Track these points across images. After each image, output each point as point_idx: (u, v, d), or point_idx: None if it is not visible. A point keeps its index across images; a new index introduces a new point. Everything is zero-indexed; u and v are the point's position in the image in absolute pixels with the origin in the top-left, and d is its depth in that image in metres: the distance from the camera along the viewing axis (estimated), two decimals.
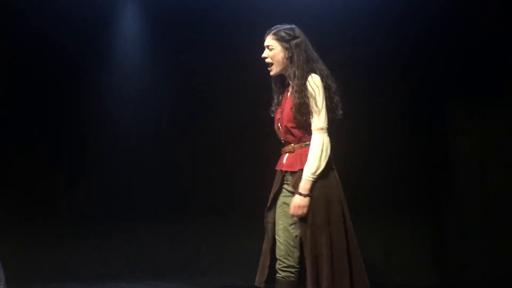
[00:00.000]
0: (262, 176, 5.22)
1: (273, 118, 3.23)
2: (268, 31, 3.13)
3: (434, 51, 5.18)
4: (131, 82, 5.81)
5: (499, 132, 5.07)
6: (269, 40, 3.11)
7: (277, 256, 3.04)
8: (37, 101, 5.71)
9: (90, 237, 5.63)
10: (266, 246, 3.12)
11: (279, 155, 3.21)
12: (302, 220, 2.98)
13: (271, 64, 3.12)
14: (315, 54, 3.11)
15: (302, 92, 2.98)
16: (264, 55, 3.13)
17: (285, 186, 3.13)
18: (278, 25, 3.14)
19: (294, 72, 3.03)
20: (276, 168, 3.18)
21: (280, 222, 3.07)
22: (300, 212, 2.96)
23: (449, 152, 5.21)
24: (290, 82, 3.08)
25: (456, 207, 5.15)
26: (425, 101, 5.26)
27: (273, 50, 3.10)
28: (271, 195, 3.14)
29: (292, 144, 3.10)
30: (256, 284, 3.11)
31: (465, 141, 5.16)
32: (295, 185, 3.01)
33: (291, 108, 3.02)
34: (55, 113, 5.76)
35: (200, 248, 5.57)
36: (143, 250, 5.63)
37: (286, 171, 3.11)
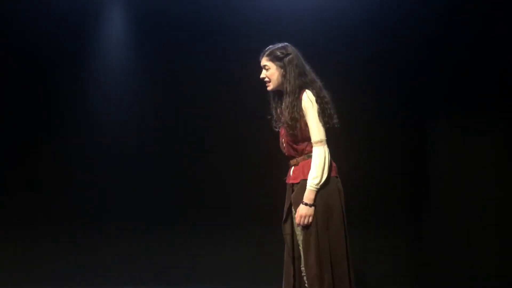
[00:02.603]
0: (253, 181, 5.40)
1: (277, 132, 3.37)
2: (262, 53, 3.30)
3: (417, 64, 5.29)
4: (117, 82, 5.78)
5: (480, 145, 5.20)
6: (264, 61, 3.29)
7: (302, 265, 3.19)
8: (22, 101, 5.69)
9: (72, 243, 5.58)
10: (286, 256, 3.26)
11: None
12: (305, 227, 3.12)
13: (269, 81, 3.29)
14: (307, 68, 3.27)
15: (294, 107, 3.15)
16: (262, 75, 3.30)
17: (292, 199, 3.25)
18: (271, 46, 3.31)
19: (286, 88, 3.21)
20: (286, 181, 3.33)
21: (297, 233, 3.22)
22: (305, 221, 3.10)
23: (429, 165, 5.33)
24: (284, 98, 3.24)
25: (436, 220, 5.25)
26: (406, 114, 5.35)
27: (269, 70, 3.27)
28: (285, 208, 3.28)
29: (296, 158, 3.25)
30: None
31: (446, 154, 5.29)
32: (296, 196, 3.18)
33: (283, 124, 3.21)
34: (41, 114, 5.73)
35: (182, 255, 5.56)
36: (124, 257, 5.58)
37: (293, 184, 3.26)
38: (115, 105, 5.74)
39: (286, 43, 3.29)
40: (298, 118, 3.13)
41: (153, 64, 5.72)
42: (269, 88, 3.29)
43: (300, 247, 3.17)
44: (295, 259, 3.22)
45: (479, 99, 5.17)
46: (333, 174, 3.19)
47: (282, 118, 3.23)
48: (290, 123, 3.14)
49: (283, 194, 3.34)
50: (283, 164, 3.41)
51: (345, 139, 5.12)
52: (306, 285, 3.14)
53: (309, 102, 3.12)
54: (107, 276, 5.49)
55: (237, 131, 5.47)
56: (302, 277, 3.18)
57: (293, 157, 3.25)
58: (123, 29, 5.80)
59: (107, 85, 5.75)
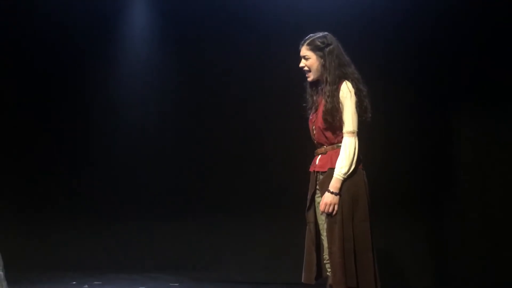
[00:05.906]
0: (263, 174, 5.46)
1: (307, 120, 3.37)
2: (302, 42, 3.29)
3: (439, 58, 5.28)
4: (138, 77, 5.88)
5: (504, 139, 5.18)
6: (304, 51, 3.27)
7: (324, 254, 3.20)
8: (42, 94, 5.84)
9: (91, 227, 5.73)
10: (309, 244, 3.28)
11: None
12: (329, 215, 3.12)
13: (308, 71, 3.28)
14: (347, 59, 3.27)
15: (334, 97, 3.15)
16: (301, 64, 3.30)
17: (318, 186, 3.26)
18: (311, 34, 3.29)
19: (326, 78, 3.20)
20: (310, 170, 3.33)
21: (320, 222, 3.23)
22: (330, 209, 3.10)
23: (451, 158, 5.33)
24: (323, 87, 3.24)
25: (457, 214, 5.26)
26: (428, 107, 5.36)
27: (309, 60, 3.26)
28: (309, 196, 3.30)
29: (325, 146, 3.25)
30: (304, 281, 3.24)
31: (468, 148, 5.27)
32: (322, 184, 3.17)
33: (323, 112, 3.19)
34: (60, 106, 5.87)
35: (201, 243, 5.64)
36: (144, 243, 5.72)
37: (318, 172, 3.25)
38: (136, 100, 5.85)
39: (326, 33, 3.27)
40: (338, 108, 3.13)
41: (176, 57, 5.77)
42: (309, 79, 3.29)
43: (323, 235, 3.17)
44: (317, 247, 3.23)
45: (502, 92, 5.14)
46: (359, 166, 3.19)
47: (320, 106, 3.22)
48: (330, 112, 3.13)
49: (306, 183, 3.32)
50: (306, 153, 3.43)
51: (367, 133, 5.14)
52: (328, 273, 3.16)
53: (348, 92, 3.14)
54: (128, 262, 5.62)
55: (257, 122, 5.53)
56: (325, 265, 3.19)
57: (321, 145, 3.25)
58: (146, 24, 5.84)
59: (128, 79, 5.86)
